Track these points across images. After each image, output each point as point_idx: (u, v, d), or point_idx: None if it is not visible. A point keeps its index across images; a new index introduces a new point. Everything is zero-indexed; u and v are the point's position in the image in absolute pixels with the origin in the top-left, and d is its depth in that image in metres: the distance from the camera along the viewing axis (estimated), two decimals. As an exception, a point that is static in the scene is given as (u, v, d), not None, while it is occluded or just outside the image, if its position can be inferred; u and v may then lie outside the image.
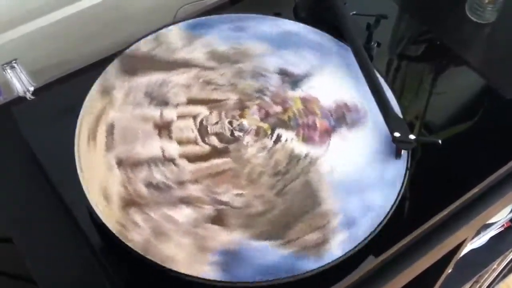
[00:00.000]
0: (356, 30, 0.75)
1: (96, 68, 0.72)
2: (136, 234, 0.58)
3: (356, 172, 0.64)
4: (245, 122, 0.67)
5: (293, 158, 0.64)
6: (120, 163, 0.62)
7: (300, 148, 0.65)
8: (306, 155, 0.65)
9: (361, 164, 0.64)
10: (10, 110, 0.70)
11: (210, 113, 0.68)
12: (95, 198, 0.60)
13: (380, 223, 0.59)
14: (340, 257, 0.58)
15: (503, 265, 1.39)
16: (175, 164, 0.63)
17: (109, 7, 0.82)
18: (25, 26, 0.76)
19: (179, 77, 0.70)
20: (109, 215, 0.59)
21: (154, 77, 0.70)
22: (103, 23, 0.82)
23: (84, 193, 0.60)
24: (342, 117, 0.68)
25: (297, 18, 0.80)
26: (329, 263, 0.57)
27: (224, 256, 0.57)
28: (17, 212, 0.66)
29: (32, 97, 0.71)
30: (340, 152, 0.65)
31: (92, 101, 0.67)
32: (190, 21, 0.75)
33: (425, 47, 0.85)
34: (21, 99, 0.71)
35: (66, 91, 0.73)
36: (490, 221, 1.11)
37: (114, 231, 0.57)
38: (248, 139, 0.66)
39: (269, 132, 0.66)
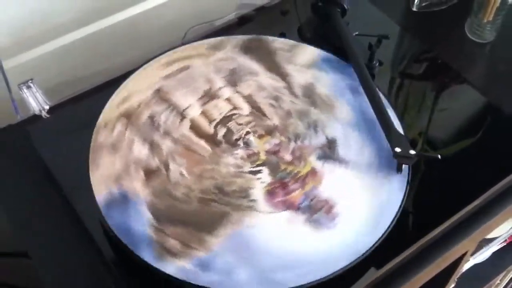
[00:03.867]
0: (358, 50, 0.76)
1: (108, 87, 0.74)
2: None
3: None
4: (254, 141, 0.68)
5: (242, 192, 0.64)
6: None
7: (256, 193, 0.64)
8: (253, 200, 0.63)
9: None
10: (26, 127, 0.72)
11: (247, 115, 0.70)
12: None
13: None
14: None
15: (507, 281, 1.40)
16: (181, 119, 0.69)
17: (122, 29, 0.84)
18: (40, 48, 0.78)
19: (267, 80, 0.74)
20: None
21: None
22: (115, 44, 0.85)
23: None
24: (315, 211, 0.63)
25: (302, 38, 0.83)
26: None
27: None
28: (32, 226, 0.68)
29: (47, 115, 0.73)
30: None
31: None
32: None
33: (427, 66, 0.87)
34: (36, 117, 0.73)
35: (79, 109, 0.75)
36: (492, 236, 1.11)
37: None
38: (239, 152, 0.67)
39: (258, 163, 0.66)
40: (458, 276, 1.04)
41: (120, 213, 0.62)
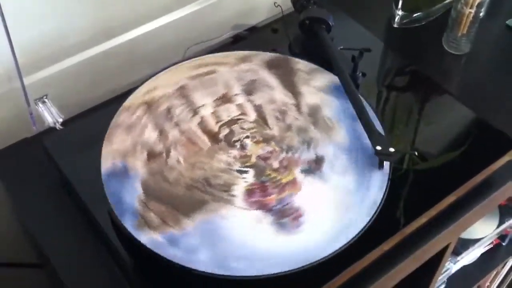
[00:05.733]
0: (343, 62, 0.81)
1: (115, 102, 0.78)
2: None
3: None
4: (249, 145, 0.73)
5: (225, 186, 0.69)
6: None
7: (237, 190, 0.69)
8: (232, 195, 0.69)
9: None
10: (42, 139, 0.77)
11: (251, 122, 0.76)
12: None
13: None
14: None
15: (497, 283, 1.44)
16: (193, 115, 0.75)
17: (126, 49, 0.89)
18: (53, 67, 0.83)
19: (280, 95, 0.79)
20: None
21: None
22: (120, 63, 0.89)
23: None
24: (283, 216, 0.67)
25: (292, 53, 0.88)
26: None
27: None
28: (49, 233, 0.72)
29: (61, 127, 0.77)
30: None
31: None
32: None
33: (409, 78, 0.91)
34: (51, 129, 0.78)
35: (90, 122, 0.80)
36: (477, 237, 1.15)
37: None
38: (234, 151, 0.73)
39: (247, 164, 0.71)
40: (443, 274, 1.10)
41: (117, 183, 0.68)
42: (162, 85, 0.79)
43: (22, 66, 0.74)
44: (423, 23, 1.02)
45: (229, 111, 0.77)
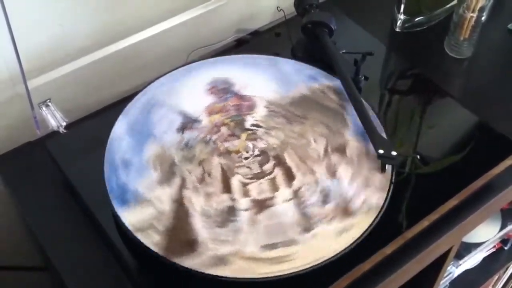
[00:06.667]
0: (345, 66, 0.82)
1: (117, 106, 0.79)
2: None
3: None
4: (250, 145, 0.75)
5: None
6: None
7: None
8: None
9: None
10: (46, 142, 0.77)
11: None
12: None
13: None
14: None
15: (500, 287, 1.44)
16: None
17: (130, 53, 0.89)
18: (57, 71, 0.83)
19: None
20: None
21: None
22: (123, 68, 0.89)
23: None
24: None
25: (294, 57, 0.88)
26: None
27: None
28: (53, 236, 0.72)
29: (65, 131, 0.77)
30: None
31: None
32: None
33: (411, 82, 0.91)
34: (55, 133, 0.78)
35: (93, 126, 0.80)
36: (480, 240, 1.16)
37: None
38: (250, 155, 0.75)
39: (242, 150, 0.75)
40: (445, 278, 1.10)
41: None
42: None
43: (26, 70, 0.74)
44: (425, 27, 1.02)
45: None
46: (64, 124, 0.78)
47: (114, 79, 0.89)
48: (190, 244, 0.65)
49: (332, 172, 0.72)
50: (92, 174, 0.72)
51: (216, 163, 0.73)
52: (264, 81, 0.83)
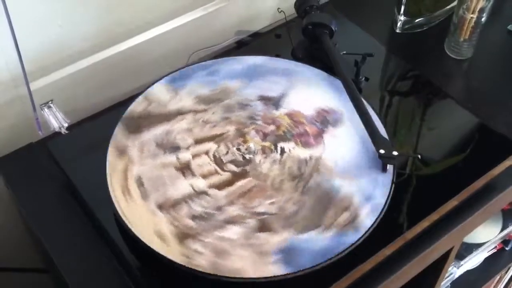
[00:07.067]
0: (346, 67, 0.82)
1: (119, 107, 0.80)
2: (201, 260, 0.64)
3: (356, 157, 0.73)
4: (251, 144, 0.75)
5: (302, 162, 0.73)
6: (160, 207, 0.68)
7: (303, 153, 0.74)
8: (311, 157, 0.74)
9: (356, 151, 0.74)
10: (48, 143, 0.78)
11: (218, 146, 0.75)
12: (152, 241, 0.65)
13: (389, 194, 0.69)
14: (372, 225, 0.67)
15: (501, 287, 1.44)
16: (208, 195, 0.70)
17: (130, 55, 0.89)
18: (58, 72, 0.84)
19: (179, 124, 0.77)
20: (171, 251, 0.65)
21: (158, 130, 0.76)
22: (124, 69, 0.90)
23: (129, 227, 0.66)
24: (325, 119, 0.77)
25: (295, 58, 0.88)
26: (365, 232, 0.66)
27: (282, 253, 0.65)
28: (55, 236, 0.72)
29: (66, 132, 0.78)
30: (335, 147, 0.75)
31: (113, 162, 0.72)
32: (169, 76, 0.82)
33: (411, 83, 0.92)
34: (57, 134, 0.78)
35: (94, 126, 0.81)
36: (481, 241, 1.16)
37: (182, 263, 0.63)
38: (259, 158, 0.74)
39: (272, 147, 0.75)
40: (446, 278, 1.10)
41: None
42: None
43: (28, 71, 0.74)
44: (425, 28, 1.03)
45: (204, 162, 0.74)
46: (66, 125, 0.78)
47: (115, 80, 0.90)
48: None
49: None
50: (94, 175, 0.72)
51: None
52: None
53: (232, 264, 0.64)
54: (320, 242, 0.66)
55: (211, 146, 0.75)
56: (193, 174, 0.72)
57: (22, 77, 0.75)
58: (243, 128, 0.77)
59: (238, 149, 0.75)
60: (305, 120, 0.78)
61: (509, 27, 1.04)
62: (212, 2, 0.95)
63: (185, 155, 0.74)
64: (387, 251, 0.70)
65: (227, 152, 0.75)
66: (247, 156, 0.74)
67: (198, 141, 0.76)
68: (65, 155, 0.77)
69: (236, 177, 0.72)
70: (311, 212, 0.69)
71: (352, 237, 0.66)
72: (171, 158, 0.74)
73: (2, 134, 0.84)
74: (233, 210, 0.69)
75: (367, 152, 0.74)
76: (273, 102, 0.80)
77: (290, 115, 0.79)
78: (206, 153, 0.74)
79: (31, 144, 0.82)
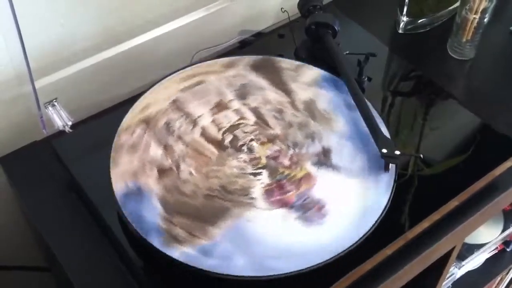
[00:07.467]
0: (349, 67, 0.82)
1: (123, 106, 0.80)
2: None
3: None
4: (256, 147, 0.75)
5: (243, 190, 0.70)
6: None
7: (256, 192, 0.70)
8: (252, 198, 0.70)
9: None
10: (52, 142, 0.78)
11: (252, 125, 0.77)
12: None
13: (366, 232, 0.67)
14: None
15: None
16: (193, 126, 0.75)
17: (134, 55, 0.89)
18: (62, 71, 0.84)
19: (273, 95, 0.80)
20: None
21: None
22: (128, 68, 0.90)
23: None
24: (307, 209, 0.69)
25: (298, 58, 0.88)
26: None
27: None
28: (59, 235, 0.73)
29: (70, 130, 0.78)
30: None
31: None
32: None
33: (414, 84, 0.92)
34: (61, 132, 0.78)
35: (99, 125, 0.81)
36: (482, 242, 1.16)
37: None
38: (243, 156, 0.74)
39: (258, 166, 0.73)
40: (447, 279, 1.10)
41: (134, 204, 0.68)
42: (154, 102, 0.79)
43: (32, 70, 0.75)
44: (427, 29, 1.03)
45: (228, 118, 0.78)
46: (70, 123, 0.78)
47: (120, 79, 0.90)
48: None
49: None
50: (98, 173, 0.72)
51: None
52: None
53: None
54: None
55: (250, 119, 0.77)
56: (214, 112, 0.76)
57: (26, 75, 0.75)
58: (280, 140, 0.76)
59: (251, 140, 0.76)
60: (299, 193, 0.72)
61: (511, 28, 1.04)
62: (215, 2, 0.95)
63: (236, 103, 0.78)
64: (388, 250, 0.71)
65: (246, 132, 0.76)
66: (243, 147, 0.75)
67: (254, 110, 0.78)
68: (69, 153, 0.77)
69: (217, 143, 0.75)
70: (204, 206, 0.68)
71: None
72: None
73: (6, 132, 0.84)
74: (179, 149, 0.73)
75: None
76: (324, 161, 0.74)
77: (307, 178, 0.73)
78: (242, 117, 0.77)
79: (35, 142, 0.82)
